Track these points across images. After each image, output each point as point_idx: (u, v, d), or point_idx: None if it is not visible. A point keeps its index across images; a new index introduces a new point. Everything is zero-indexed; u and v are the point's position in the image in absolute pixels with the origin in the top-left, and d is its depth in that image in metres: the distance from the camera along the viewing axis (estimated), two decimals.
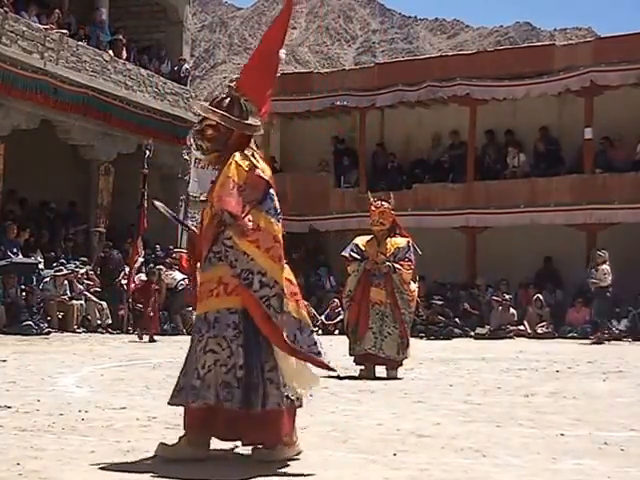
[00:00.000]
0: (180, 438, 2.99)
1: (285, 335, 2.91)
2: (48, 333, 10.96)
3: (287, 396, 2.95)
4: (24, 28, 12.48)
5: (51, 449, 3.28)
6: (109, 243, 13.87)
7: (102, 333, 11.97)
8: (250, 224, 2.91)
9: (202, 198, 18.04)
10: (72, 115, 13.55)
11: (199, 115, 3.22)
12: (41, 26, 12.94)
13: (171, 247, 14.81)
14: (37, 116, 12.99)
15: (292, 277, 3.11)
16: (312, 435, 3.66)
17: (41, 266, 12.27)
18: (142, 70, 15.19)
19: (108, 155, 14.49)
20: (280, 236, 3.01)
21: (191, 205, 17.85)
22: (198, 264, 3.16)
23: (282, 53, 3.17)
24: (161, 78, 15.87)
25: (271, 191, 3.03)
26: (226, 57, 50.17)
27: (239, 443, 3.08)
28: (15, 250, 12.16)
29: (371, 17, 61.70)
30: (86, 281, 12.53)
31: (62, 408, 4.47)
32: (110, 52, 14.50)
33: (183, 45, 17.03)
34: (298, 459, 3.07)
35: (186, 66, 17.11)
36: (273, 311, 2.91)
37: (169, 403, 3.07)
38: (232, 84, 3.32)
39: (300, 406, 3.07)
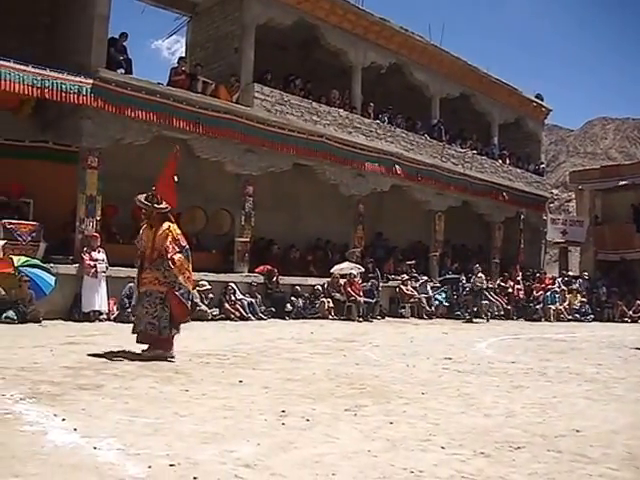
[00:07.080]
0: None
1: (189, 305, 6.76)
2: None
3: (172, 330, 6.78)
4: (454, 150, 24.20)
5: (475, 383, 5.05)
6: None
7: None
8: (176, 257, 6.59)
9: (555, 241, 28.65)
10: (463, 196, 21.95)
11: (140, 202, 6.74)
12: (460, 149, 22.27)
13: (537, 271, 24.38)
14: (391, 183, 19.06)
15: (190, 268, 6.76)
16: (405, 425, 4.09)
17: (462, 278, 19.23)
18: (518, 169, 25.47)
19: (499, 217, 24.02)
20: (190, 266, 6.72)
21: (548, 245, 27.54)
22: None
23: (175, 178, 6.59)
24: (528, 173, 24.61)
25: (184, 244, 6.65)
26: (566, 158, 61.19)
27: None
28: (450, 273, 20.52)
29: None
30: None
31: (478, 361, 6.65)
32: (500, 161, 25.18)
33: (541, 154, 26.31)
34: (173, 361, 6.07)
35: (542, 166, 26.17)
36: (184, 298, 6.62)
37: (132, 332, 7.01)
38: (153, 189, 6.67)
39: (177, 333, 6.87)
